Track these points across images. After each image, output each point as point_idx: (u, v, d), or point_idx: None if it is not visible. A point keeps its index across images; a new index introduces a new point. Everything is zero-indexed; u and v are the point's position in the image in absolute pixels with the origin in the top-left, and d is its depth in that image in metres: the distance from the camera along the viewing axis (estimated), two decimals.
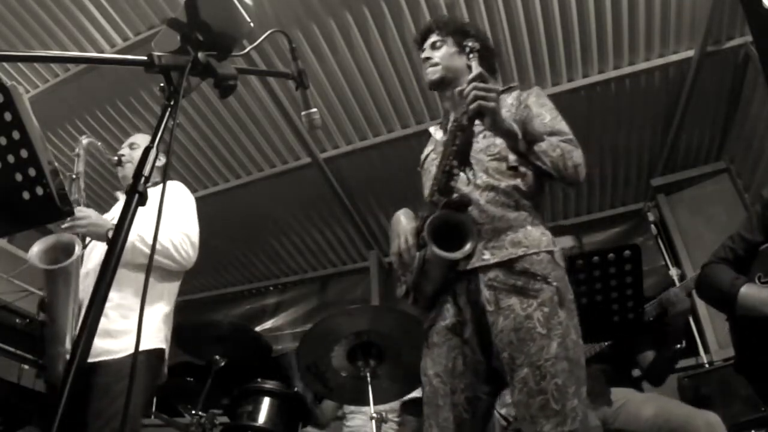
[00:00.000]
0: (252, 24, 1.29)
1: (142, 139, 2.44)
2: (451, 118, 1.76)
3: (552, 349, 1.37)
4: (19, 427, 2.78)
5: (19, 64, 3.36)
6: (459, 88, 1.48)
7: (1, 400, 2.69)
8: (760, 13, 2.45)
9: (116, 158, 2.33)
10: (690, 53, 3.39)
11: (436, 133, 1.85)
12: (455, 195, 1.51)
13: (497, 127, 1.49)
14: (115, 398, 1.76)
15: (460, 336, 1.52)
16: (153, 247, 1.04)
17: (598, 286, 1.86)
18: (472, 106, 1.43)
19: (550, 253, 1.52)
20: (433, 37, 1.85)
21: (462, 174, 1.50)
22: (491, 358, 1.50)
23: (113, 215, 2.24)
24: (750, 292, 1.76)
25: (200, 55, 1.13)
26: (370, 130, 3.94)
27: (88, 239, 2.08)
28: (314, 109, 1.48)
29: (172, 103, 1.07)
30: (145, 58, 1.06)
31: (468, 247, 1.44)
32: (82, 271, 2.01)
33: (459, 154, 1.48)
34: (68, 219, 1.91)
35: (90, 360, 1.84)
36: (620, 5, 3.18)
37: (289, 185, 4.33)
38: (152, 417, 2.90)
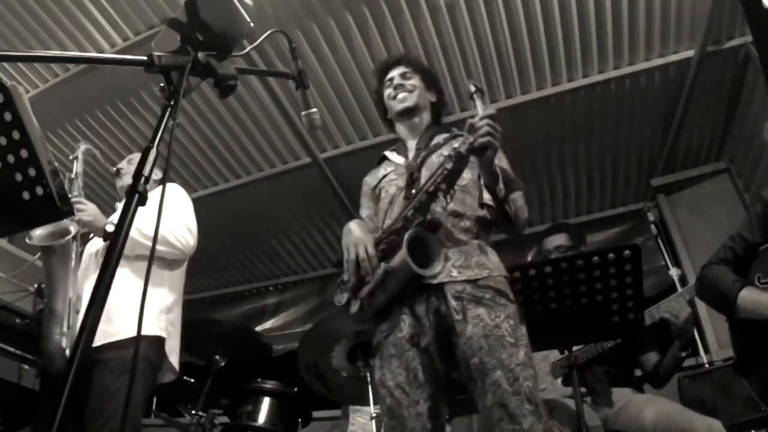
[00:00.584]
0: (252, 24, 1.30)
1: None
2: (410, 145, 1.93)
3: (520, 357, 1.49)
4: (19, 427, 2.78)
5: (19, 64, 3.36)
6: (470, 120, 1.57)
7: (1, 400, 2.69)
8: (760, 13, 2.45)
9: (115, 169, 2.42)
10: (690, 53, 3.39)
11: (394, 157, 1.95)
12: (428, 216, 1.61)
13: (490, 166, 1.60)
14: (114, 396, 1.76)
15: (417, 347, 1.59)
16: (154, 240, 1.03)
17: (598, 286, 1.85)
18: (482, 140, 1.52)
19: (506, 277, 1.68)
20: (401, 69, 2.00)
21: (443, 198, 1.59)
22: (450, 368, 1.58)
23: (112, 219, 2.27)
24: (749, 295, 1.77)
25: (200, 55, 1.13)
26: (370, 130, 3.94)
27: (90, 234, 2.12)
28: (314, 109, 1.49)
29: (172, 103, 1.07)
30: (145, 58, 1.06)
31: (437, 265, 1.56)
32: (81, 266, 2.03)
33: (448, 179, 1.57)
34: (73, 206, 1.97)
35: (99, 342, 1.86)
36: (620, 5, 3.18)
37: (289, 185, 4.33)
38: (152, 417, 2.91)
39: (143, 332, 1.87)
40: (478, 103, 1.59)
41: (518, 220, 1.70)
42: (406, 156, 1.91)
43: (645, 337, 2.47)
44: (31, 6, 3.12)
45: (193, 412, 2.73)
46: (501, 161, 1.78)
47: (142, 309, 0.96)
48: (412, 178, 1.77)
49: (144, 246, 1.97)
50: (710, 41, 3.29)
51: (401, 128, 1.99)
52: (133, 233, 1.92)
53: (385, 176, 1.91)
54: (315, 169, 4.14)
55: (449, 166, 1.56)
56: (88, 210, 2.01)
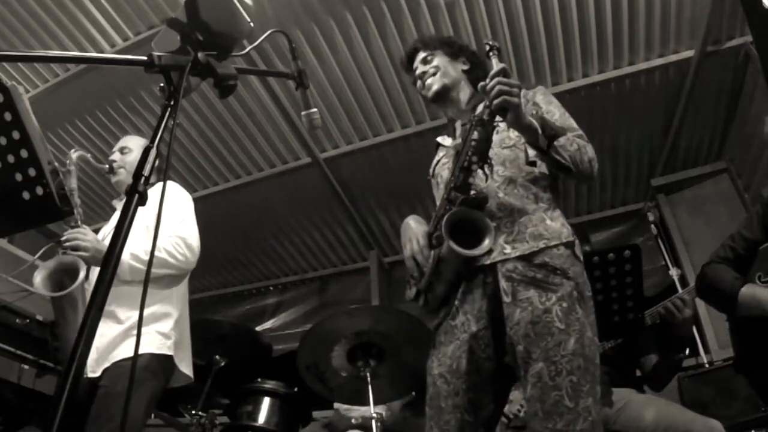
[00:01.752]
0: (252, 24, 1.30)
1: (134, 143, 2.39)
2: (458, 123, 1.80)
3: (569, 346, 1.35)
4: (19, 427, 2.78)
5: (19, 64, 3.36)
6: (481, 83, 1.47)
7: (1, 400, 2.69)
8: (760, 13, 2.44)
9: (107, 166, 2.29)
10: (690, 53, 3.39)
11: (444, 140, 1.86)
12: (472, 192, 1.50)
13: (519, 122, 1.48)
14: (114, 401, 1.76)
15: (468, 331, 1.50)
16: (152, 254, 1.03)
17: (598, 286, 1.86)
18: (496, 101, 1.42)
19: (570, 246, 1.51)
20: (422, 54, 1.90)
21: (480, 171, 1.49)
22: (502, 353, 1.48)
23: (112, 225, 2.23)
24: (750, 292, 1.76)
25: (200, 55, 1.13)
26: (370, 130, 3.94)
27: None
28: (314, 109, 1.48)
29: (172, 103, 1.07)
30: (145, 58, 1.06)
31: (486, 243, 1.43)
32: (88, 286, 1.99)
33: (478, 150, 1.48)
34: (72, 236, 1.91)
35: (113, 360, 1.86)
36: (620, 5, 3.18)
37: (289, 185, 4.33)
38: (152, 417, 2.90)
39: (151, 350, 1.87)
40: (493, 62, 1.50)
41: (579, 164, 1.53)
42: (454, 136, 1.82)
43: (645, 338, 2.46)
44: (31, 6, 3.12)
45: (193, 412, 2.72)
46: (550, 105, 1.69)
47: (139, 329, 0.95)
48: (458, 157, 1.64)
49: (142, 272, 1.93)
50: (710, 41, 3.29)
51: (446, 111, 1.91)
52: (131, 260, 1.90)
53: (438, 162, 1.83)
54: (315, 169, 4.14)
55: (474, 136, 1.48)
56: (85, 242, 1.91)
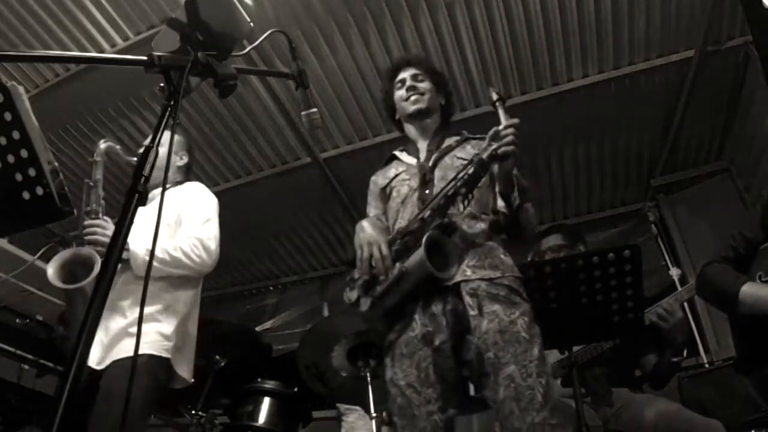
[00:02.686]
0: (252, 24, 1.30)
1: (163, 137, 2.37)
2: (421, 145, 1.95)
3: (534, 353, 1.50)
4: (19, 427, 2.78)
5: (19, 64, 3.35)
6: (496, 128, 1.61)
7: (1, 400, 2.69)
8: (760, 13, 2.45)
9: (135, 159, 2.21)
10: (690, 53, 3.39)
11: (404, 156, 1.97)
12: (445, 219, 1.62)
13: (509, 174, 1.63)
14: (111, 402, 1.75)
15: (429, 345, 1.59)
16: (152, 254, 1.03)
17: (598, 286, 1.85)
18: (506, 148, 1.56)
19: (521, 279, 1.67)
20: (413, 70, 2.02)
21: (459, 202, 1.61)
22: (463, 365, 1.59)
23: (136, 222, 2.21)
24: (751, 290, 1.76)
25: (200, 55, 1.13)
26: (370, 130, 3.94)
27: None
28: (314, 109, 1.49)
29: (172, 103, 1.07)
30: (145, 58, 1.06)
31: (455, 268, 1.58)
32: None
33: (467, 184, 1.59)
34: (90, 229, 1.90)
35: (114, 359, 1.85)
36: (620, 5, 3.18)
37: (289, 185, 4.33)
38: (152, 417, 2.90)
39: (150, 351, 1.87)
40: (501, 112, 1.64)
41: (528, 229, 1.72)
42: (417, 157, 1.92)
43: (645, 339, 2.46)
44: (31, 6, 3.12)
45: (193, 412, 2.72)
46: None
47: (139, 329, 0.95)
48: (425, 179, 1.79)
49: (157, 270, 1.92)
50: (710, 41, 3.30)
51: (411, 129, 2.01)
52: (147, 257, 1.88)
53: (396, 176, 1.92)
54: (315, 169, 4.15)
55: (470, 171, 1.59)
56: (105, 240, 1.89)
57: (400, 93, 2.01)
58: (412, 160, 1.92)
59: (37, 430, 2.80)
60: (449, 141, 1.91)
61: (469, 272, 1.61)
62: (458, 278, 1.60)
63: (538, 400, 1.43)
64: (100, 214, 2.01)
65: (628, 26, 3.28)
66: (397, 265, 1.60)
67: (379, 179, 2.02)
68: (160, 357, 1.91)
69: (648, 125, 3.91)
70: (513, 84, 3.60)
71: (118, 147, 2.20)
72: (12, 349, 2.76)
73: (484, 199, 1.76)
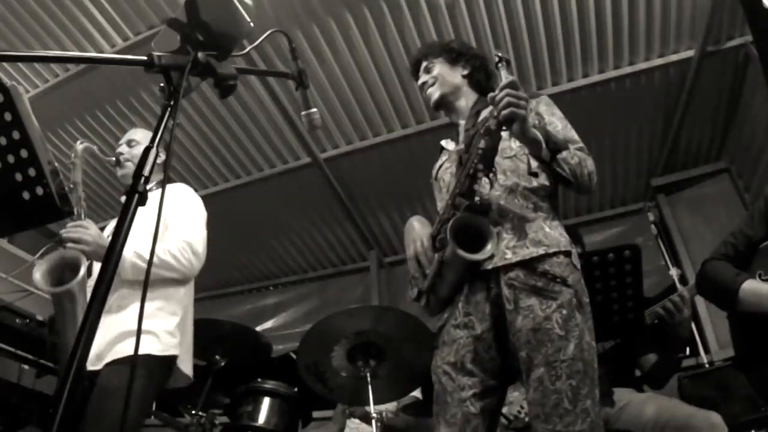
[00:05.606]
0: (252, 24, 1.30)
1: (141, 135, 2.36)
2: (461, 128, 1.82)
3: (569, 351, 1.41)
4: (19, 427, 2.78)
5: (19, 64, 3.36)
6: (491, 94, 1.50)
7: (1, 400, 2.69)
8: (760, 13, 2.45)
9: (114, 159, 2.26)
10: (690, 53, 3.39)
11: (448, 144, 1.88)
12: (476, 198, 1.54)
13: (525, 134, 1.52)
14: (107, 402, 1.75)
15: (471, 333, 1.55)
16: (151, 257, 1.03)
17: (598, 286, 1.85)
18: (504, 112, 1.45)
19: (569, 255, 1.55)
20: (424, 63, 1.93)
21: (485, 178, 1.53)
22: (506, 356, 1.53)
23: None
24: (752, 288, 1.76)
25: (200, 55, 1.13)
26: (370, 130, 3.94)
27: None
28: (314, 109, 1.49)
29: (172, 103, 1.07)
30: (145, 58, 1.06)
31: (489, 248, 1.47)
32: (90, 282, 1.98)
33: (484, 158, 1.51)
34: (73, 230, 1.90)
35: (107, 360, 1.85)
36: (620, 5, 3.18)
37: (289, 185, 4.33)
38: (152, 417, 2.90)
39: (153, 351, 1.87)
40: (502, 73, 1.52)
41: (579, 177, 1.59)
42: (458, 141, 1.84)
43: (644, 338, 2.46)
44: (31, 6, 3.12)
45: (193, 412, 2.72)
46: (553, 116, 1.72)
47: (139, 329, 0.95)
48: (461, 162, 1.67)
49: (144, 271, 1.92)
50: (710, 41, 3.30)
51: (449, 116, 1.93)
52: (134, 258, 1.89)
53: (441, 165, 1.86)
54: (315, 169, 4.15)
55: (482, 144, 1.52)
56: (86, 236, 1.88)
57: (424, 95, 1.94)
58: (453, 146, 1.84)
59: (37, 430, 2.80)
60: (485, 113, 1.73)
61: (509, 254, 1.53)
62: (498, 262, 1.53)
63: (563, 405, 1.37)
64: (82, 216, 2.00)
65: (628, 26, 3.28)
66: (436, 255, 1.58)
67: (433, 173, 1.93)
68: (160, 356, 1.91)
69: (648, 125, 3.92)
70: None
71: (95, 148, 2.20)
72: (12, 349, 2.76)
73: (520, 168, 1.65)
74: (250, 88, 3.62)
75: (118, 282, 1.93)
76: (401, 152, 4.02)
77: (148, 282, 0.99)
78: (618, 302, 1.87)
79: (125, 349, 1.85)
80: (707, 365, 3.50)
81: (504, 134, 1.56)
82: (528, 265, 1.51)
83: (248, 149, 4.09)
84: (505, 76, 1.50)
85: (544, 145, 1.54)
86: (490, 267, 1.54)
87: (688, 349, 2.38)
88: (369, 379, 2.48)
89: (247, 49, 1.46)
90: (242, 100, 3.71)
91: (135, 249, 1.90)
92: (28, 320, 2.89)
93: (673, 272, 3.92)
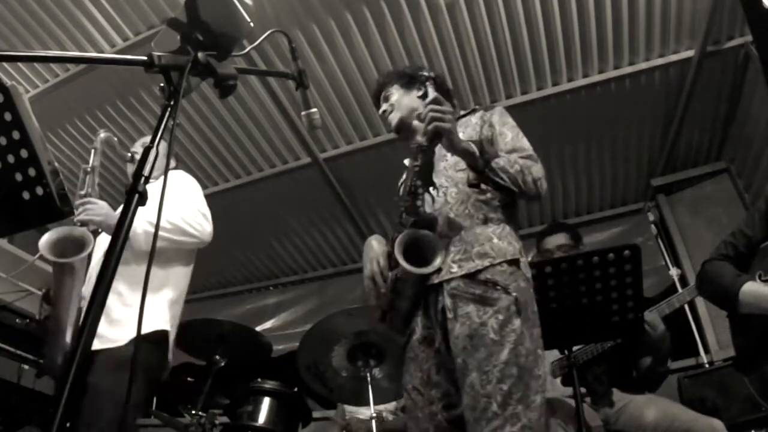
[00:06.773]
0: (252, 24, 1.30)
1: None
2: None
3: (502, 356, 1.41)
4: (19, 427, 2.78)
5: (19, 64, 3.36)
6: (417, 112, 1.57)
7: (1, 400, 2.69)
8: (760, 13, 2.45)
9: (129, 154, 2.32)
10: (690, 53, 3.39)
11: (407, 162, 1.90)
12: (421, 213, 1.59)
13: (453, 146, 1.55)
14: (101, 399, 1.75)
15: (431, 347, 1.59)
16: (155, 235, 1.03)
17: (598, 286, 1.85)
18: (429, 127, 1.51)
19: (515, 263, 1.56)
20: (383, 93, 1.97)
21: (426, 194, 1.57)
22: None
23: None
24: (752, 289, 1.76)
25: (200, 55, 1.13)
26: (370, 130, 3.94)
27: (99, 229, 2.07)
28: (314, 109, 1.49)
29: (172, 103, 1.07)
30: (145, 58, 1.07)
31: (437, 262, 1.52)
32: (92, 263, 2.01)
33: (421, 174, 1.55)
34: (82, 208, 1.92)
35: (102, 346, 1.85)
36: (620, 5, 3.18)
37: (289, 185, 4.33)
38: (152, 417, 2.90)
39: (147, 329, 1.89)
40: (429, 90, 1.63)
41: (523, 185, 1.59)
42: None
43: (643, 340, 2.46)
44: (31, 6, 3.12)
45: (193, 412, 2.72)
46: (504, 126, 1.76)
47: (141, 310, 0.95)
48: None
49: (160, 238, 1.94)
50: (710, 41, 3.30)
51: (409, 138, 1.95)
52: (147, 227, 1.92)
53: (401, 185, 1.91)
54: (315, 169, 4.15)
55: (417, 161, 1.56)
56: (95, 210, 1.93)
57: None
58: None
59: (37, 430, 2.80)
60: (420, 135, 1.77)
61: (455, 268, 1.56)
62: (444, 276, 1.57)
63: (491, 409, 1.36)
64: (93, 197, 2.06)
65: (628, 26, 3.28)
66: (390, 273, 1.62)
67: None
68: (158, 331, 1.95)
69: (648, 125, 3.91)
70: (513, 84, 3.61)
71: (115, 140, 2.28)
72: (12, 349, 2.76)
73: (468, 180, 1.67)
74: (250, 88, 3.62)
75: (127, 260, 1.96)
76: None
77: (153, 255, 0.99)
78: (618, 302, 1.87)
79: (116, 336, 1.88)
80: (707, 365, 3.50)
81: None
82: (471, 276, 1.53)
83: (248, 149, 4.09)
84: (430, 93, 1.58)
85: (478, 155, 1.56)
86: (436, 281, 1.58)
87: (669, 360, 2.37)
88: (369, 379, 2.48)
89: (247, 49, 1.46)
90: (242, 100, 3.71)
91: (147, 218, 1.93)
92: (28, 320, 2.89)
93: (673, 272, 3.92)
